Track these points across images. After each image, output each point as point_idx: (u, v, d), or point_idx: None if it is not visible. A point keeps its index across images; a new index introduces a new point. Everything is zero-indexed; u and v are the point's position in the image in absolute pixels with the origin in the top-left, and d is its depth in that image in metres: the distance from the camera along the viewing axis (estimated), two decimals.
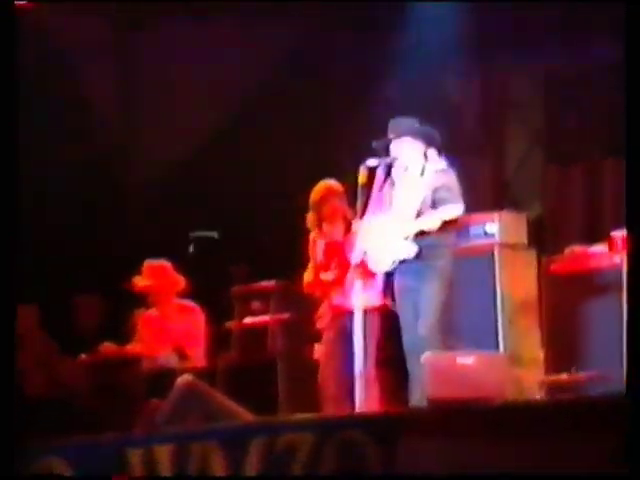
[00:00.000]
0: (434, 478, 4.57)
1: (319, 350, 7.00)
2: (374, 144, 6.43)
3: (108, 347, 7.50)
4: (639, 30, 4.36)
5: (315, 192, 6.98)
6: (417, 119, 6.49)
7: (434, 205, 6.26)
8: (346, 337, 6.74)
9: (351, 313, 6.59)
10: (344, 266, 6.77)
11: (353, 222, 6.82)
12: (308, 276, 7.01)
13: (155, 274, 7.69)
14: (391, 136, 6.38)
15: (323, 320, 6.98)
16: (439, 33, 9.07)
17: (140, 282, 7.65)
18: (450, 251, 6.33)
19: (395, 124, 6.43)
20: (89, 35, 9.83)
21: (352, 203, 6.64)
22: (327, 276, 6.92)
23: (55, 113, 9.23)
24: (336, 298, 6.86)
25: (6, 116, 5.14)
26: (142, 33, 10.14)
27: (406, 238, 6.22)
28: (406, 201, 6.35)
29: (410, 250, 6.22)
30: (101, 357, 7.44)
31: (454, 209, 6.23)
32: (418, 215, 6.28)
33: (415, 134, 6.38)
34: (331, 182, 7.01)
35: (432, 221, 6.20)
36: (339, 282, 6.82)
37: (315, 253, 7.03)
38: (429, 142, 6.42)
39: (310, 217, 7.01)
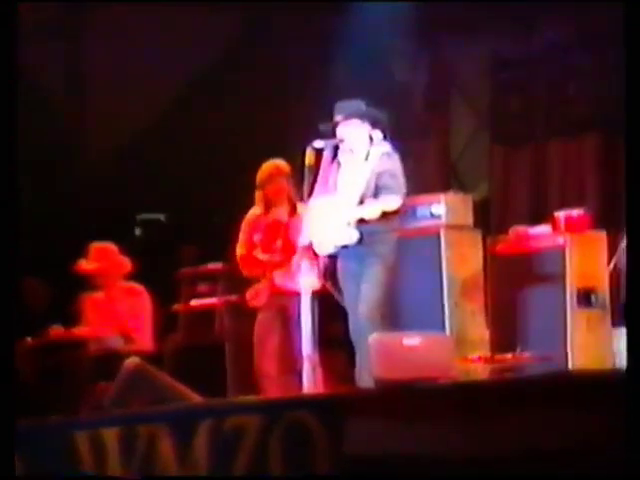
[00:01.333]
0: (382, 458, 4.60)
1: (256, 329, 6.98)
2: (321, 126, 6.43)
3: (54, 331, 7.47)
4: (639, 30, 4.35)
5: (261, 171, 6.99)
6: (364, 101, 6.49)
7: (377, 190, 6.26)
8: (285, 317, 6.78)
9: (291, 294, 6.63)
10: (288, 248, 6.79)
11: (298, 204, 6.84)
12: (241, 251, 7.02)
13: (101, 256, 7.65)
14: (338, 118, 6.38)
15: (259, 299, 6.97)
16: (385, 15, 9.09)
17: (86, 265, 7.62)
18: (393, 236, 6.33)
19: (342, 106, 6.44)
20: (35, 16, 9.72)
21: (299, 185, 6.65)
22: (268, 256, 6.93)
23: None
24: (278, 278, 6.87)
25: None
26: (89, 14, 10.06)
27: (348, 224, 6.23)
28: (350, 185, 6.35)
29: (352, 236, 6.22)
30: (47, 340, 7.40)
31: (394, 200, 6.20)
32: (361, 200, 6.28)
33: (362, 116, 6.38)
34: (278, 162, 7.02)
35: (372, 210, 6.19)
36: (282, 263, 6.83)
37: (250, 228, 7.02)
38: (375, 124, 6.42)
39: (257, 195, 7.03)
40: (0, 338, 5.01)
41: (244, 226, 7.07)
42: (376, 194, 6.26)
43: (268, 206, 7.01)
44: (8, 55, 5.18)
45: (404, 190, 6.31)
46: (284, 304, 6.81)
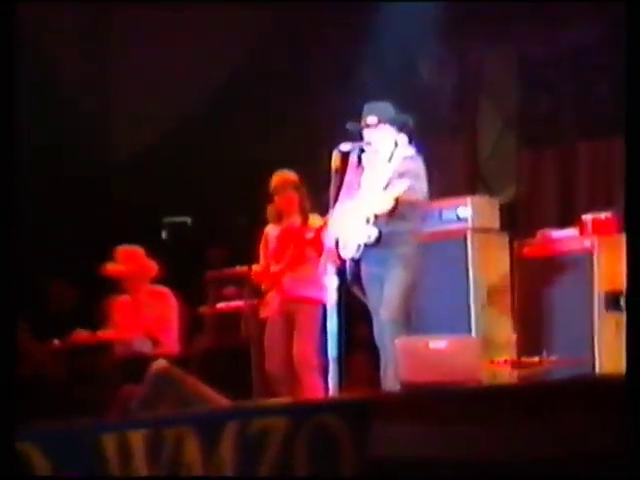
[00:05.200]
0: (407, 462, 4.59)
1: (266, 335, 7.02)
2: (348, 125, 6.42)
3: (81, 334, 7.50)
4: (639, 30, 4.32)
5: (271, 182, 7.05)
6: (392, 103, 6.48)
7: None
8: (295, 323, 6.86)
9: (300, 301, 6.78)
10: (298, 255, 6.83)
11: (311, 215, 6.87)
12: (257, 268, 7.07)
13: (128, 259, 7.68)
14: (369, 120, 6.36)
15: (269, 308, 7.01)
16: (414, 16, 9.08)
17: (113, 267, 7.64)
18: (415, 237, 6.30)
19: (371, 108, 6.42)
20: (60, 17, 9.77)
21: (315, 192, 6.72)
22: (279, 266, 6.97)
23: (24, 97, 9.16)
24: (288, 285, 6.90)
25: None
26: (114, 15, 10.10)
27: (367, 221, 6.22)
28: (371, 186, 6.34)
29: (370, 234, 6.20)
30: (74, 343, 7.43)
31: (402, 184, 6.11)
32: None
33: (392, 121, 6.37)
34: (286, 172, 7.07)
35: (383, 200, 6.16)
36: (292, 270, 6.87)
37: (266, 246, 7.08)
38: (402, 129, 6.42)
39: (269, 209, 7.09)
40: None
41: (261, 244, 7.14)
42: None
43: (279, 217, 7.07)
44: (7, 55, 5.18)
45: (425, 190, 6.29)
46: (294, 310, 6.85)
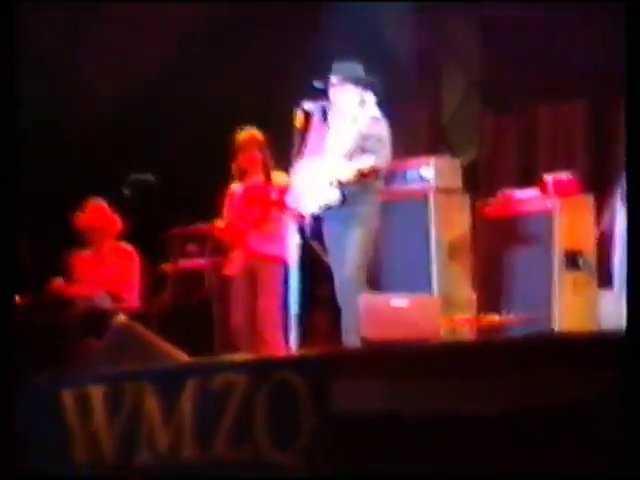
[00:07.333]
0: (368, 417, 4.63)
1: (232, 293, 7.04)
2: (315, 83, 6.41)
3: (41, 288, 7.48)
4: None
5: (236, 140, 7.05)
6: (361, 64, 6.46)
7: (362, 153, 6.24)
8: (259, 280, 6.87)
9: (265, 258, 6.80)
10: (262, 213, 6.85)
11: (273, 173, 6.89)
12: (220, 224, 7.08)
13: (97, 213, 7.68)
14: (334, 80, 6.36)
15: (233, 266, 7.02)
16: None
17: (83, 220, 7.64)
18: (376, 198, 6.33)
19: (339, 68, 6.41)
20: None
21: (275, 152, 6.72)
22: (242, 224, 6.99)
23: None
24: (253, 242, 6.91)
25: None
26: None
27: (330, 184, 6.24)
28: (336, 147, 6.35)
29: (333, 196, 6.22)
30: (35, 297, 7.41)
31: (368, 160, 6.17)
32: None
33: (357, 81, 6.37)
34: (251, 131, 7.07)
35: (347, 170, 6.18)
36: (257, 228, 6.89)
37: (231, 204, 7.08)
38: (368, 89, 6.41)
39: (233, 166, 7.09)
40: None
41: (225, 201, 7.14)
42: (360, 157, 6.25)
43: (243, 175, 7.07)
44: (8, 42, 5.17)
45: (389, 155, 6.30)
46: (258, 267, 6.88)
